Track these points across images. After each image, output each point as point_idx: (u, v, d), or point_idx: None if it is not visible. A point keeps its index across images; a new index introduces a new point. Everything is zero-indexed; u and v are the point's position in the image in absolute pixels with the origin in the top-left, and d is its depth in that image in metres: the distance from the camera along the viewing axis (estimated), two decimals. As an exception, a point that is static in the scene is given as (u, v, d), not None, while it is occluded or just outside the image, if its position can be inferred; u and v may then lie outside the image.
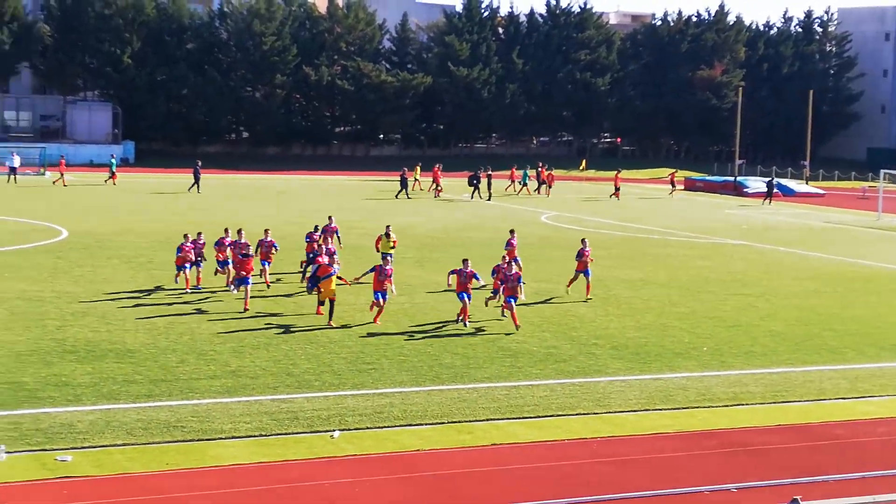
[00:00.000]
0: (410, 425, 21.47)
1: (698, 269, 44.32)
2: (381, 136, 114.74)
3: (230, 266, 34.08)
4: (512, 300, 30.35)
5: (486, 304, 32.10)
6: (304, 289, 33.70)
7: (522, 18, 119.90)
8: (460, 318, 30.72)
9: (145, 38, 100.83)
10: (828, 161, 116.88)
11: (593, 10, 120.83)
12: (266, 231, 35.93)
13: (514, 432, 21.35)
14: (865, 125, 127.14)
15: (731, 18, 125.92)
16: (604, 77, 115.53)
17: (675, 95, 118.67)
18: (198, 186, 70.90)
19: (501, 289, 31.02)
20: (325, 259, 31.56)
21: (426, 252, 45.51)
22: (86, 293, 33.21)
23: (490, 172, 75.23)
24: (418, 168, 79.98)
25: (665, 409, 23.37)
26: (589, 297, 35.12)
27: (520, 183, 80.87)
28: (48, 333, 27.70)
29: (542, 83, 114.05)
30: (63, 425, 20.38)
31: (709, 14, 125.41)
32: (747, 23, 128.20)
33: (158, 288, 34.43)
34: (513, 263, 32.03)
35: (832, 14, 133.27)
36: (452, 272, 31.12)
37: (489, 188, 74.13)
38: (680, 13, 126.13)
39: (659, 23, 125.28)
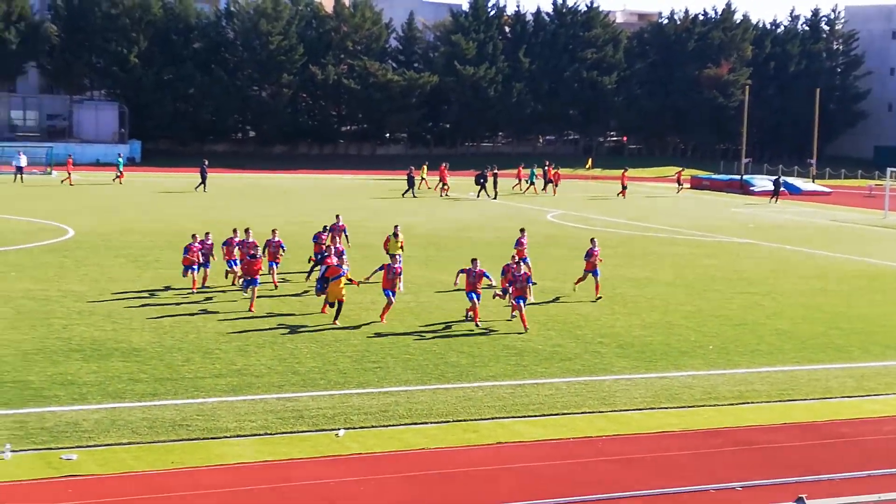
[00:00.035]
0: (415, 424, 21.46)
1: (704, 267, 44.28)
2: (388, 135, 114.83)
3: (237, 266, 34.05)
4: (521, 301, 30.06)
5: (494, 297, 31.85)
6: (311, 287, 33.74)
7: (529, 17, 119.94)
8: (469, 315, 30.60)
9: (152, 37, 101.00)
10: (834, 159, 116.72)
11: (600, 9, 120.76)
12: (273, 231, 35.91)
13: (520, 431, 21.33)
14: (872, 123, 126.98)
15: (737, 17, 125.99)
16: (610, 76, 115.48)
17: (681, 94, 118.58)
18: (204, 186, 70.98)
19: (510, 289, 30.73)
20: (334, 260, 31.51)
21: (432, 251, 45.50)
22: (92, 292, 33.24)
23: (496, 171, 75.23)
24: (425, 167, 80.00)
25: (671, 408, 23.34)
26: (599, 296, 35.01)
27: (527, 182, 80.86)
28: (54, 332, 27.74)
29: (549, 82, 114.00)
30: (68, 424, 20.40)
31: (715, 12, 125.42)
32: (754, 21, 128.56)
33: (164, 287, 34.43)
34: (521, 263, 31.82)
35: (839, 12, 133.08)
36: (461, 271, 30.90)
37: (495, 187, 74.11)
38: (687, 11, 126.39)
39: (666, 21, 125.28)
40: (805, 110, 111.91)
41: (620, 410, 23.02)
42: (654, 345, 29.19)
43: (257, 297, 31.73)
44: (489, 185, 74.15)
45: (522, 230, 39.21)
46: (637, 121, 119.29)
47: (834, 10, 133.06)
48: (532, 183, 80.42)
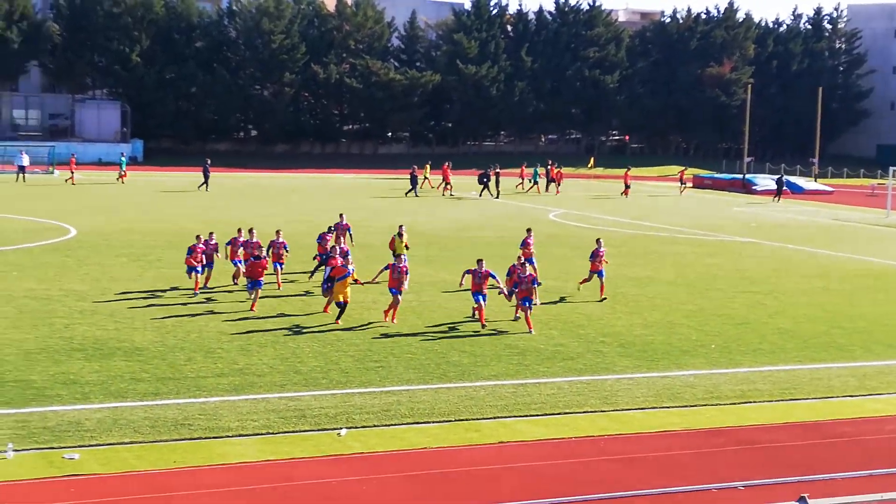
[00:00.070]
0: (417, 423, 21.47)
1: (706, 266, 44.27)
2: (390, 134, 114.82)
3: (241, 266, 34.02)
4: (527, 303, 29.87)
5: (499, 294, 31.71)
6: (315, 287, 33.72)
7: (531, 16, 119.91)
8: (476, 313, 30.51)
9: (154, 36, 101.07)
10: (837, 158, 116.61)
11: (602, 8, 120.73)
12: (278, 232, 35.88)
13: (521, 430, 21.34)
14: (875, 122, 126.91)
15: (740, 15, 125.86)
16: (612, 74, 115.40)
17: (684, 93, 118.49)
18: (207, 185, 71.00)
19: (516, 291, 30.53)
20: (339, 260, 31.48)
21: (434, 250, 45.49)
22: (94, 291, 33.26)
23: (498, 170, 75.23)
24: (428, 166, 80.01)
25: (673, 407, 23.34)
26: (603, 297, 34.95)
27: (530, 181, 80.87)
28: (56, 332, 27.75)
29: (551, 81, 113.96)
30: (71, 423, 20.41)
31: (718, 11, 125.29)
32: (756, 20, 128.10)
33: (167, 286, 34.44)
34: (527, 264, 31.70)
35: (842, 11, 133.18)
36: (467, 272, 30.69)
37: (497, 186, 74.10)
38: (689, 10, 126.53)
39: (668, 20, 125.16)
40: (807, 109, 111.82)
41: (622, 410, 23.02)
42: (656, 344, 29.19)
43: (260, 297, 31.73)
44: (491, 184, 74.16)
45: (529, 230, 38.98)
46: (639, 120, 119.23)
47: (836, 9, 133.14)
48: (535, 182, 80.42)
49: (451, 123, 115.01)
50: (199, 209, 58.82)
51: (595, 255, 35.34)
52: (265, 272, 32.03)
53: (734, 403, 23.85)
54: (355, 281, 30.59)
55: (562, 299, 34.98)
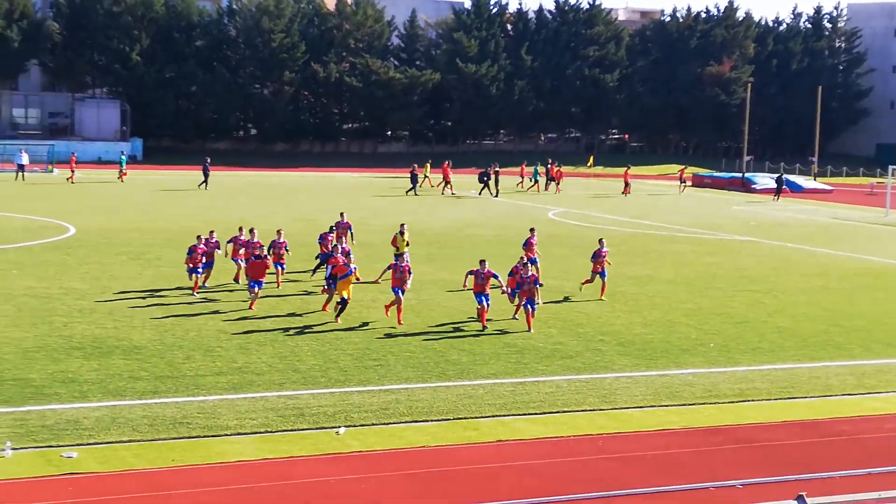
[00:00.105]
0: (416, 422, 21.48)
1: (706, 265, 44.27)
2: (390, 132, 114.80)
3: (241, 265, 34.00)
4: (530, 304, 29.75)
5: (502, 293, 31.62)
6: (316, 287, 33.69)
7: (531, 15, 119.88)
8: (479, 314, 30.49)
9: (154, 35, 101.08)
10: (836, 157, 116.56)
11: (602, 7, 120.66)
12: (279, 232, 35.85)
13: (520, 429, 21.34)
14: (874, 121, 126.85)
15: (740, 14, 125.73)
16: (612, 73, 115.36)
17: (683, 92, 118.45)
18: (206, 184, 71.01)
19: (518, 292, 30.42)
20: (340, 259, 31.42)
21: (434, 249, 45.49)
22: (93, 290, 33.27)
23: (498, 169, 75.25)
24: (428, 165, 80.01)
25: (671, 406, 23.34)
26: (602, 297, 34.91)
27: (530, 180, 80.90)
28: (55, 330, 27.76)
29: (551, 80, 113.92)
30: (69, 422, 20.42)
31: (718, 10, 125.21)
32: (756, 19, 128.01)
33: (166, 285, 34.43)
34: (529, 265, 31.59)
35: (841, 10, 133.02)
36: (469, 273, 30.54)
37: (496, 185, 74.11)
38: (689, 9, 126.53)
39: (668, 19, 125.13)
40: (807, 108, 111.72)
41: (621, 408, 23.02)
42: (655, 343, 29.19)
43: (259, 296, 31.72)
44: (491, 183, 74.17)
45: (532, 230, 38.95)
46: (639, 118, 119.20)
47: (836, 8, 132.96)
48: (535, 181, 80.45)
49: (451, 122, 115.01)
50: (199, 208, 58.81)
51: (597, 256, 35.22)
52: (267, 271, 32.03)
53: (733, 402, 23.85)
54: (357, 279, 30.57)
55: (566, 299, 34.89)
